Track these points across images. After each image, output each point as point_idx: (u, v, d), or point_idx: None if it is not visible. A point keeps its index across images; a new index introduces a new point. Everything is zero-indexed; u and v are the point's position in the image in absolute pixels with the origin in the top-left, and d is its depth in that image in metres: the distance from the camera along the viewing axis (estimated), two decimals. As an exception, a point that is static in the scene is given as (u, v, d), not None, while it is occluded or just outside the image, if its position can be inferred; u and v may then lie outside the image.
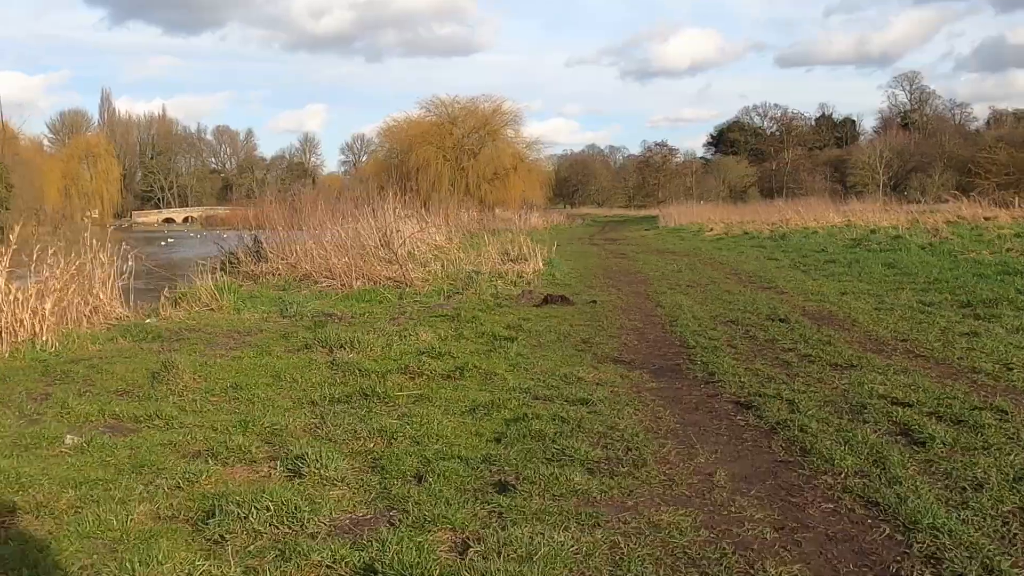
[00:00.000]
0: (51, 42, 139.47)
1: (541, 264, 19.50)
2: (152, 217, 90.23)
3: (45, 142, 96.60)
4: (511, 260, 19.89)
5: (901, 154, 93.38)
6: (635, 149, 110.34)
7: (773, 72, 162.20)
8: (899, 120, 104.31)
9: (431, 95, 71.25)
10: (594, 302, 14.59)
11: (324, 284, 16.83)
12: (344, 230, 20.60)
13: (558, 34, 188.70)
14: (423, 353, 9.83)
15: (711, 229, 38.71)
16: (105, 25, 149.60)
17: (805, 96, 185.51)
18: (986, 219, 30.48)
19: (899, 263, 17.67)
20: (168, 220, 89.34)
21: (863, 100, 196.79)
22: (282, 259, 19.61)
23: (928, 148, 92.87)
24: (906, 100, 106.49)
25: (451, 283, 17.26)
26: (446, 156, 66.53)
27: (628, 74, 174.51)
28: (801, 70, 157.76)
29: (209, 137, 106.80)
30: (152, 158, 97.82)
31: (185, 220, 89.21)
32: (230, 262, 20.71)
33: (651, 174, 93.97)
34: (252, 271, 19.56)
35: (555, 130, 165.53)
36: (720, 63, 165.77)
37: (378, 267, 17.43)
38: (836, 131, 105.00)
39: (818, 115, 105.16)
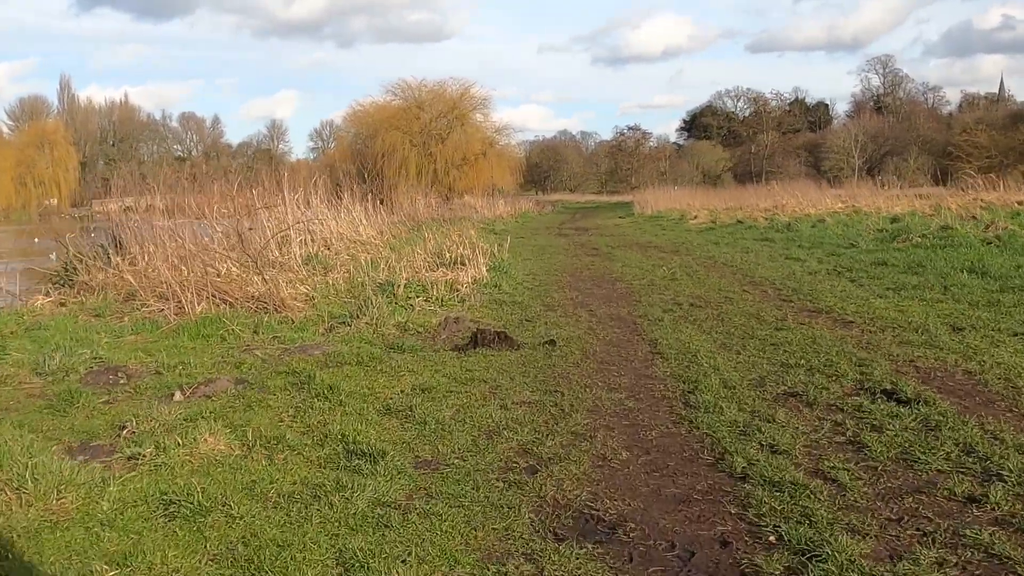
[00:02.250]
0: (17, 29, 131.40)
1: (484, 271, 13.54)
2: (112, 205, 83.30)
3: (4, 128, 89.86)
4: (443, 265, 13.93)
5: (875, 138, 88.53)
6: (607, 135, 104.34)
7: (745, 58, 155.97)
8: (872, 104, 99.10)
9: (398, 79, 65.09)
10: (551, 343, 8.69)
11: (152, 308, 10.78)
12: (222, 226, 14.62)
13: (530, 21, 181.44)
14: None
15: (695, 217, 32.82)
16: (73, 12, 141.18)
17: (777, 82, 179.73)
18: (1020, 204, 24.80)
19: (987, 268, 11.85)
20: (128, 208, 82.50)
21: (834, 86, 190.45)
22: (131, 265, 13.54)
23: (902, 132, 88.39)
24: (879, 83, 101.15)
25: (347, 302, 11.31)
26: (413, 141, 61.04)
27: (600, 60, 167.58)
28: (772, 56, 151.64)
29: (175, 124, 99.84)
30: (113, 145, 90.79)
31: (147, 208, 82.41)
32: (71, 268, 14.60)
33: (624, 159, 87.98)
34: (88, 282, 13.47)
35: (527, 117, 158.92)
36: (691, 50, 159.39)
37: (237, 280, 11.40)
38: (809, 115, 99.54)
39: (791, 99, 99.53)
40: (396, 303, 11.40)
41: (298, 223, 15.69)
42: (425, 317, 10.42)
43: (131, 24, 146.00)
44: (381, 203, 25.58)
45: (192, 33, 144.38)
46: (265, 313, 10.49)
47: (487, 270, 13.83)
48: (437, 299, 11.66)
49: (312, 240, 16.65)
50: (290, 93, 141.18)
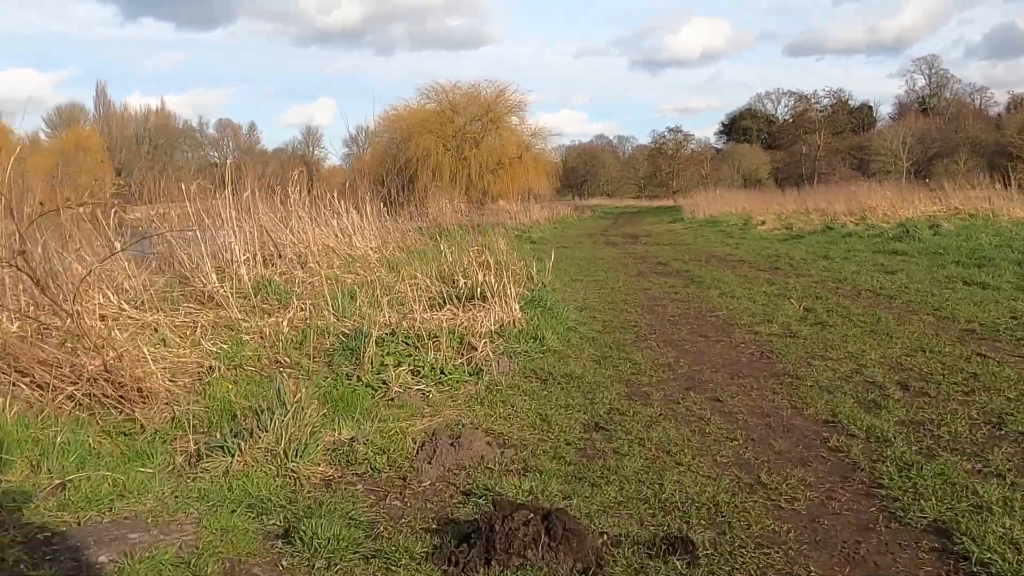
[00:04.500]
0: (63, 39, 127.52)
1: (517, 308, 8.10)
2: (145, 212, 79.13)
3: (42, 136, 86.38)
4: (456, 297, 8.54)
5: (922, 140, 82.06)
6: (644, 139, 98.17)
7: (782, 61, 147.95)
8: (918, 105, 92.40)
9: (431, 81, 59.99)
10: (684, 547, 3.26)
11: None
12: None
13: (568, 25, 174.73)
14: None
15: (762, 222, 27.10)
16: (118, 21, 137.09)
17: (815, 85, 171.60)
18: None
19: None
20: (163, 214, 78.25)
21: (874, 88, 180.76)
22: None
23: (949, 133, 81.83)
24: (925, 84, 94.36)
25: (271, 375, 6.01)
26: (447, 145, 56.08)
27: (638, 64, 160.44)
28: (811, 59, 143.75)
29: (211, 131, 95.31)
30: (148, 151, 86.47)
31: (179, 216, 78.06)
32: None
33: (664, 162, 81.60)
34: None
35: (564, 121, 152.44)
36: (729, 53, 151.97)
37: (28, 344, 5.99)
38: (852, 117, 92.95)
39: (833, 102, 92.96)
40: (360, 377, 6.09)
41: (239, 228, 10.40)
42: (398, 424, 5.04)
43: (173, 33, 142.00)
44: (388, 205, 20.32)
45: (232, 41, 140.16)
46: (102, 408, 5.21)
47: (521, 306, 8.40)
48: (434, 368, 6.31)
49: (276, 255, 11.37)
50: (328, 100, 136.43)
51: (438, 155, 54.17)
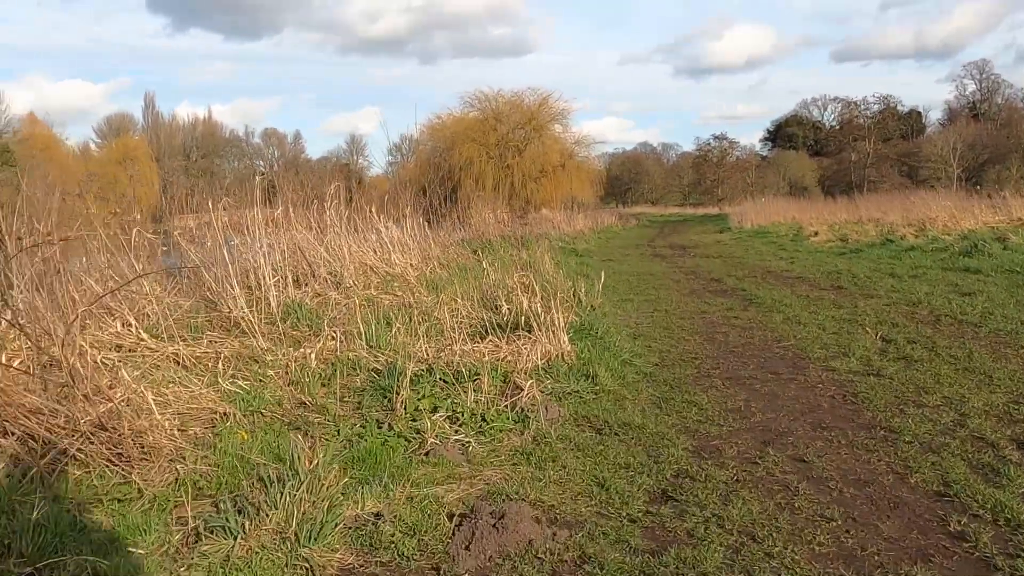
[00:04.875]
0: (115, 50, 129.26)
1: (566, 340, 7.30)
2: (192, 221, 79.49)
3: (92, 146, 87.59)
4: (499, 326, 7.77)
5: (973, 146, 79.65)
6: (687, 146, 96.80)
7: (828, 67, 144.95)
8: (968, 111, 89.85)
9: (475, 90, 59.44)
10: None
11: None
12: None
13: (610, 33, 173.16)
14: None
15: (815, 233, 25.98)
16: (167, 32, 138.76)
17: (863, 91, 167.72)
18: None
19: None
20: (208, 223, 78.49)
21: (922, 94, 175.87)
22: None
23: (1001, 139, 79.29)
24: (976, 89, 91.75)
25: (295, 418, 5.33)
26: (489, 153, 55.57)
27: (681, 71, 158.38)
28: (857, 65, 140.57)
29: (257, 140, 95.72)
30: (195, 161, 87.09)
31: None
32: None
33: (709, 170, 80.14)
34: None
35: (607, 129, 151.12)
36: (774, 59, 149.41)
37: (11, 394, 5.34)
38: (901, 124, 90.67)
39: (882, 107, 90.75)
40: (392, 425, 5.38)
41: (271, 247, 9.78)
42: (432, 491, 4.30)
43: (221, 43, 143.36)
44: (431, 216, 19.69)
45: (278, 50, 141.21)
46: (98, 466, 4.56)
47: (570, 336, 7.62)
48: (475, 415, 5.58)
49: (310, 274, 10.73)
50: (372, 109, 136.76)
51: (481, 163, 53.64)
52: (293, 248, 11.38)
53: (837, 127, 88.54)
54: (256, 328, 8.07)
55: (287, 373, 6.79)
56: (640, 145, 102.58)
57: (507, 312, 8.24)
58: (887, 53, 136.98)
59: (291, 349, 7.56)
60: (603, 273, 10.93)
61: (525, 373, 6.54)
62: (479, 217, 27.47)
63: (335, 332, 7.77)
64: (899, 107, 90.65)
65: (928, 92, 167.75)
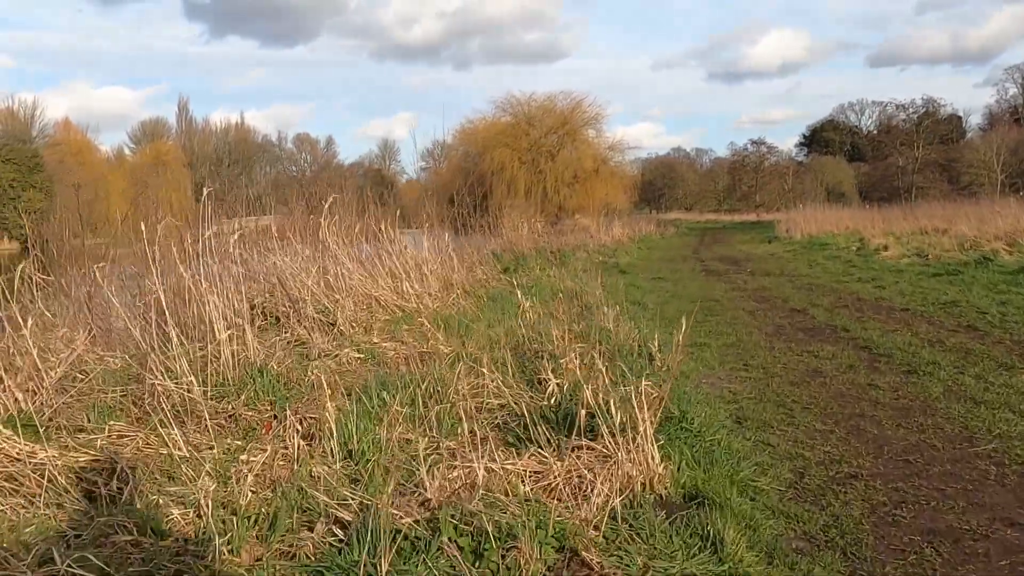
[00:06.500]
0: (153, 57, 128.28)
1: (657, 457, 4.45)
2: (225, 226, 77.30)
3: (126, 151, 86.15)
4: (545, 419, 4.96)
5: (1016, 151, 75.70)
6: (722, 151, 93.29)
7: (864, 72, 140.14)
8: (1009, 115, 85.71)
9: (507, 94, 56.98)
10: None
11: None
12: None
13: (644, 38, 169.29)
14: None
15: (884, 247, 22.78)
16: (204, 39, 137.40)
17: (899, 95, 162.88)
18: None
19: None
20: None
21: (961, 98, 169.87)
22: None
23: (1045, 144, 75.36)
24: (1017, 93, 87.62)
25: None
26: (522, 158, 53.29)
27: (715, 76, 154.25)
28: (894, 69, 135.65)
29: (289, 145, 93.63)
30: (228, 166, 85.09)
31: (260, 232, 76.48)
32: None
33: (746, 175, 76.63)
34: None
35: (640, 134, 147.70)
36: (809, 64, 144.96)
37: None
38: (941, 128, 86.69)
39: (921, 112, 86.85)
40: None
41: (225, 275, 6.98)
42: None
43: (257, 50, 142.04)
44: (459, 228, 16.98)
45: (312, 56, 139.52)
46: None
47: (660, 446, 4.70)
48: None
49: (291, 311, 7.96)
50: (405, 114, 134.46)
51: (513, 168, 51.33)
52: (269, 274, 8.67)
53: (875, 132, 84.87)
54: (188, 410, 5.36)
55: (200, 516, 4.00)
56: (674, 150, 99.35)
57: (556, 391, 5.38)
58: (923, 57, 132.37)
59: (227, 453, 4.81)
60: (684, 321, 7.91)
61: (590, 527, 3.71)
62: (511, 224, 24.64)
63: (296, 427, 4.98)
64: (942, 111, 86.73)
65: (966, 97, 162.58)
